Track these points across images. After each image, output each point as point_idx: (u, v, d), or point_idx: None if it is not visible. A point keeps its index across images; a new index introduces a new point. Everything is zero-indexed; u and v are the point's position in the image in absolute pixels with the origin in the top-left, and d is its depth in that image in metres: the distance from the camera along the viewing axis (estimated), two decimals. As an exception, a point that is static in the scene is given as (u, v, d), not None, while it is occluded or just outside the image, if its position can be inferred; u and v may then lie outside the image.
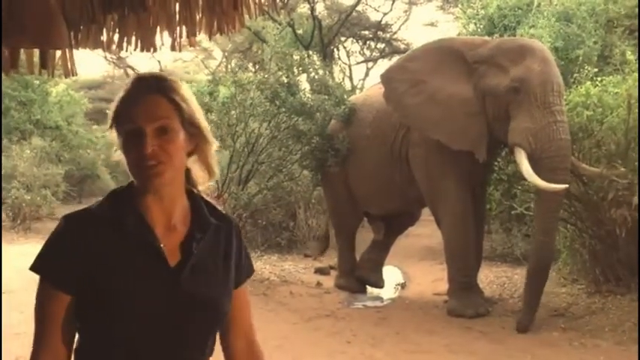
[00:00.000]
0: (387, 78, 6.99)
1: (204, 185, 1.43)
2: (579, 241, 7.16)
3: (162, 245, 1.31)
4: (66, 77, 2.23)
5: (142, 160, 1.27)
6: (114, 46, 2.35)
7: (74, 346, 1.33)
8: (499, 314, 6.56)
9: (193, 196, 1.40)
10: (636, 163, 5.94)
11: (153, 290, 1.28)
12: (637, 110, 6.07)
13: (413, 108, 6.64)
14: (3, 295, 6.36)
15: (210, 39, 2.58)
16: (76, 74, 2.27)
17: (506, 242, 9.35)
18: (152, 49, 2.31)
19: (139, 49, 2.31)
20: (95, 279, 1.27)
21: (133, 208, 1.33)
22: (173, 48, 2.35)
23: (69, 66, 2.22)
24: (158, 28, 2.37)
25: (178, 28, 2.33)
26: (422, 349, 5.51)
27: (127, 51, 2.29)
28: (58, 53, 2.22)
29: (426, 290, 8.15)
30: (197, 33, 2.35)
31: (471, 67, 6.43)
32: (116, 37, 2.34)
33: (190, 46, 2.45)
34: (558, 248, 7.85)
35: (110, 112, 1.35)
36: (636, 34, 9.21)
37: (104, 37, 2.30)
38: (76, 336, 1.33)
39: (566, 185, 5.74)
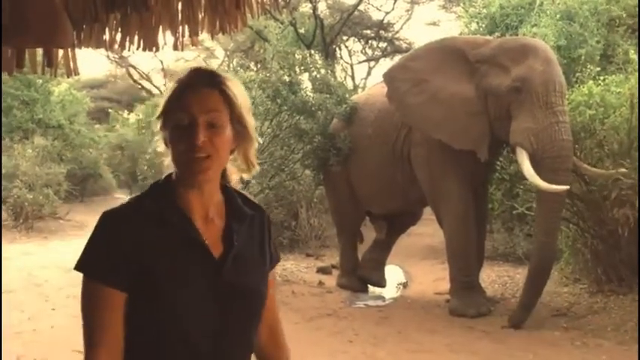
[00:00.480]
0: (389, 77, 6.99)
1: (237, 179, 1.45)
2: (581, 241, 7.15)
3: (204, 238, 1.33)
4: (68, 76, 2.24)
5: (191, 151, 1.28)
6: (116, 46, 2.36)
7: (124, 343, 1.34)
8: (501, 314, 6.55)
9: (227, 189, 1.43)
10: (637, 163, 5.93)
11: (201, 283, 1.30)
12: (638, 109, 6.06)
13: (415, 107, 6.63)
14: (4, 295, 6.37)
15: (212, 38, 2.59)
16: (79, 73, 2.27)
17: (508, 242, 9.34)
18: (155, 49, 2.32)
19: (141, 48, 2.31)
20: (143, 274, 1.28)
21: (174, 203, 1.34)
22: (176, 47, 2.36)
23: (71, 65, 2.23)
24: (161, 28, 2.38)
25: (181, 28, 2.34)
26: (424, 348, 5.50)
27: (129, 50, 2.29)
28: (61, 52, 2.23)
29: (427, 290, 8.14)
30: (199, 32, 2.36)
31: (473, 67, 6.42)
32: (119, 36, 2.36)
33: (193, 45, 2.46)
34: (560, 248, 7.85)
35: (162, 100, 1.36)
36: (638, 32, 9.20)
37: (107, 36, 2.30)
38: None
39: (568, 187, 5.72)
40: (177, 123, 1.30)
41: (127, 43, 2.32)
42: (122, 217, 1.32)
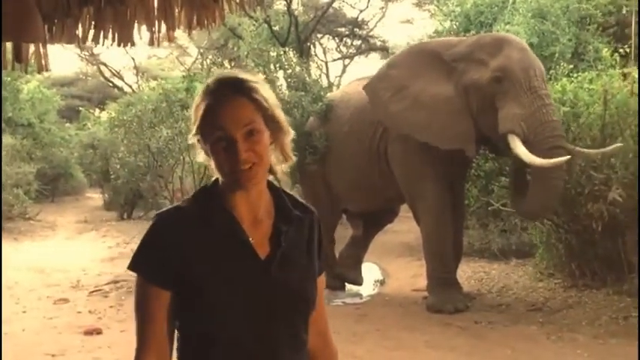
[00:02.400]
0: (370, 89, 6.98)
1: (281, 170, 1.45)
2: (555, 236, 7.24)
3: (250, 239, 1.35)
4: (39, 72, 2.17)
5: (235, 165, 1.31)
6: (90, 41, 2.29)
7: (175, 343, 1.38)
8: (477, 309, 6.59)
9: (275, 189, 1.44)
10: (612, 159, 6.01)
11: (247, 284, 1.32)
12: (613, 106, 6.15)
13: (399, 114, 6.64)
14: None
15: (189, 34, 2.53)
16: (49, 69, 2.20)
17: (483, 238, 9.40)
18: (130, 44, 2.25)
19: (115, 43, 2.25)
20: (191, 275, 1.32)
21: (221, 206, 1.37)
22: (152, 42, 2.29)
23: (42, 61, 2.15)
24: (136, 22, 2.31)
25: (157, 22, 2.27)
26: (402, 345, 5.51)
27: (103, 45, 2.23)
28: (32, 48, 2.15)
29: (405, 286, 8.16)
30: (176, 27, 2.30)
31: (450, 66, 6.47)
32: (92, 31, 2.28)
33: (169, 41, 2.40)
34: (535, 243, 7.95)
35: (193, 113, 1.37)
36: (610, 30, 9.36)
37: (80, 31, 2.23)
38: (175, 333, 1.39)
39: (568, 157, 5.68)
40: (215, 140, 1.32)
41: (101, 38, 2.25)
42: (171, 217, 1.37)
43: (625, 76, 6.48)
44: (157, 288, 1.33)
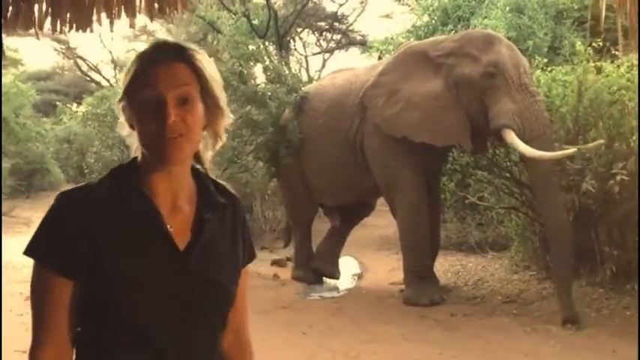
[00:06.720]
0: (366, 98, 6.98)
1: (209, 158, 1.34)
2: (530, 229, 7.29)
3: (169, 227, 1.23)
4: (-6, 59, 2.10)
5: (161, 131, 1.17)
6: (47, 28, 2.23)
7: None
8: (453, 302, 6.62)
9: (199, 175, 1.32)
10: (587, 154, 6.04)
11: (161, 274, 1.20)
12: (586, 99, 6.20)
13: (394, 117, 6.65)
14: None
15: (151, 20, 2.48)
16: (5, 56, 2.14)
17: (460, 231, 9.47)
18: (89, 30, 2.19)
19: (74, 29, 2.19)
20: (99, 262, 1.18)
21: (137, 187, 1.23)
22: (111, 29, 2.24)
23: (-3, 47, 2.09)
24: (95, 9, 2.26)
25: (116, 8, 2.22)
26: (378, 338, 5.51)
27: (61, 32, 2.16)
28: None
29: (382, 280, 8.17)
30: (136, 13, 2.25)
31: (437, 64, 6.49)
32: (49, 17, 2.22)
33: (130, 27, 2.35)
34: (510, 236, 8.01)
35: (123, 78, 1.23)
36: (585, 25, 9.43)
37: (36, 17, 2.16)
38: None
39: (575, 149, 5.67)
40: (143, 101, 1.19)
41: (58, 24, 2.19)
42: (76, 197, 1.22)
43: (599, 69, 6.53)
44: (57, 276, 1.19)
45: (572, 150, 5.65)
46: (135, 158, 1.28)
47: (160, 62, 1.21)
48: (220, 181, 1.36)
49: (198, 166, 1.33)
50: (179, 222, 1.25)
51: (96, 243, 1.19)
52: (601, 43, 6.90)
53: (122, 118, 1.26)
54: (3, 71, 16.85)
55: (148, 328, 1.20)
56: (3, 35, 2.21)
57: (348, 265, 9.24)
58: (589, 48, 6.74)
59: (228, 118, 1.31)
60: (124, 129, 1.27)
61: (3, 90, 16.61)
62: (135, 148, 1.27)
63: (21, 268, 8.58)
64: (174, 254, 1.22)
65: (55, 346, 1.20)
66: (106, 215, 1.20)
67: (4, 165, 13.71)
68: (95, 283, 1.18)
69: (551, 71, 6.97)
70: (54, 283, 1.19)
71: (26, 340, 1.26)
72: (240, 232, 1.36)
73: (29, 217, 14.69)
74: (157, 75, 1.20)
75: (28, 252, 1.21)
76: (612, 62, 6.68)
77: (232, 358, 1.40)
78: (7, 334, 5.56)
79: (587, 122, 6.30)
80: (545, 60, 7.43)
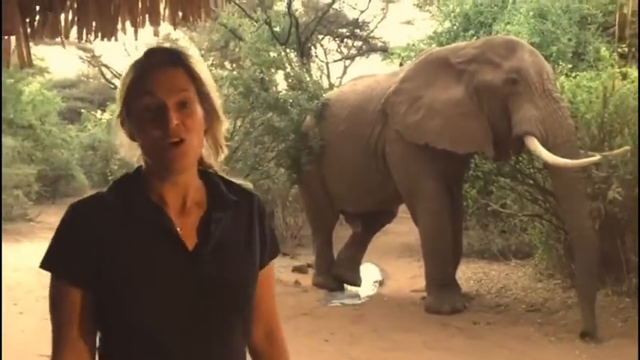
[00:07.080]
0: (389, 105, 6.96)
1: (215, 164, 1.34)
2: (555, 237, 7.19)
3: (178, 229, 1.23)
4: (22, 68, 2.14)
5: (163, 137, 1.17)
6: (73, 37, 2.27)
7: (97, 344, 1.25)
8: (476, 310, 6.56)
9: (208, 176, 1.31)
10: (613, 161, 5.95)
11: (172, 277, 1.20)
12: (612, 105, 6.10)
13: (416, 124, 6.63)
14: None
15: (175, 28, 2.50)
16: (32, 65, 2.17)
17: (483, 239, 9.37)
18: (113, 38, 2.22)
19: (99, 38, 2.22)
20: (111, 270, 1.19)
21: (144, 193, 1.24)
22: (136, 37, 2.27)
23: (24, 56, 2.13)
24: (120, 18, 2.29)
25: (141, 17, 2.24)
26: (399, 346, 5.47)
27: (86, 41, 2.20)
28: (14, 42, 2.13)
29: (403, 287, 8.12)
30: (161, 22, 2.28)
31: (458, 70, 6.46)
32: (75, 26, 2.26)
33: (154, 35, 2.37)
34: (534, 244, 7.90)
35: (120, 89, 1.24)
36: (610, 30, 9.30)
37: (62, 26, 2.20)
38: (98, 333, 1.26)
39: (599, 157, 5.55)
40: (143, 109, 1.19)
41: (84, 33, 2.22)
42: (87, 208, 1.24)
43: (624, 75, 6.44)
44: (73, 287, 1.20)
45: (597, 157, 5.56)
46: (140, 167, 1.28)
47: (156, 68, 1.22)
48: (234, 180, 1.35)
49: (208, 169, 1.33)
50: (188, 224, 1.25)
51: (107, 251, 1.20)
52: (626, 49, 6.80)
53: (120, 134, 1.26)
54: (29, 79, 17.18)
55: (157, 334, 1.19)
56: (31, 44, 2.24)
57: (369, 272, 9.20)
58: (614, 53, 6.65)
59: (225, 123, 1.31)
60: (123, 141, 1.27)
61: (30, 98, 16.94)
62: (137, 160, 1.28)
63: (48, 274, 8.72)
64: (183, 256, 1.22)
65: (75, 356, 1.22)
66: (116, 223, 1.21)
67: (30, 171, 13.92)
68: (104, 289, 1.20)
69: (575, 77, 6.89)
70: (70, 295, 1.21)
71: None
72: (258, 229, 1.33)
73: (54, 222, 14.86)
74: (155, 82, 1.20)
75: (43, 265, 1.23)
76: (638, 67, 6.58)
77: (266, 355, 1.41)
78: (34, 339, 5.65)
79: (612, 129, 6.20)
80: (570, 66, 7.35)
